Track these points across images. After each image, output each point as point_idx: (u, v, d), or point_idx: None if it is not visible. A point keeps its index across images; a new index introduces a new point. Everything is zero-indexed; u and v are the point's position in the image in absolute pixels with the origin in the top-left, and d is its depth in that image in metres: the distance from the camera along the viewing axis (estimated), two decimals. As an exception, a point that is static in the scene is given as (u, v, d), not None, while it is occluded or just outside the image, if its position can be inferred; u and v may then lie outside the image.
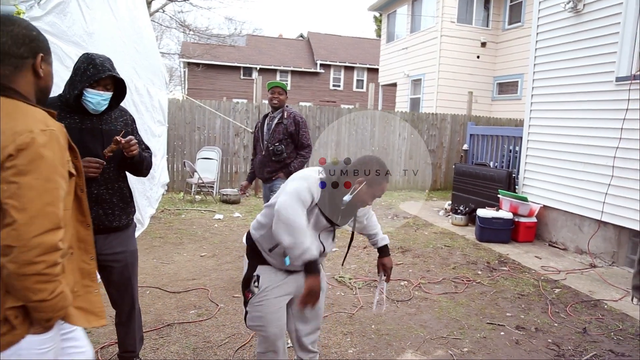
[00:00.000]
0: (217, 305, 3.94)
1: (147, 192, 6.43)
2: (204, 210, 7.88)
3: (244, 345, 3.29)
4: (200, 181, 8.56)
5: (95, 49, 3.81)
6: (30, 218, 1.27)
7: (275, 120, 4.45)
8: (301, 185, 2.07)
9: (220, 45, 21.63)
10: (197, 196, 8.97)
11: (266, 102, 4.49)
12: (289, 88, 27.83)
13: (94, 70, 2.28)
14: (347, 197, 2.17)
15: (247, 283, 2.34)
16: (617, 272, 5.29)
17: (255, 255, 2.34)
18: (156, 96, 7.12)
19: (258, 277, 2.30)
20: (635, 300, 4.35)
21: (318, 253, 2.02)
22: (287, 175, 4.34)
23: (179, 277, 4.60)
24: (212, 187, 9.09)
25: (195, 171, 8.56)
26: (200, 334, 3.44)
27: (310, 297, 2.01)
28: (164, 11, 16.83)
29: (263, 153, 4.48)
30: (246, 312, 2.36)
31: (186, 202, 8.60)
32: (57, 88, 2.56)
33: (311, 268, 1.99)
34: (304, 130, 4.46)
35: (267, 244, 2.26)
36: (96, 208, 2.37)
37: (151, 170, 6.51)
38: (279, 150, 4.38)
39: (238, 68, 26.94)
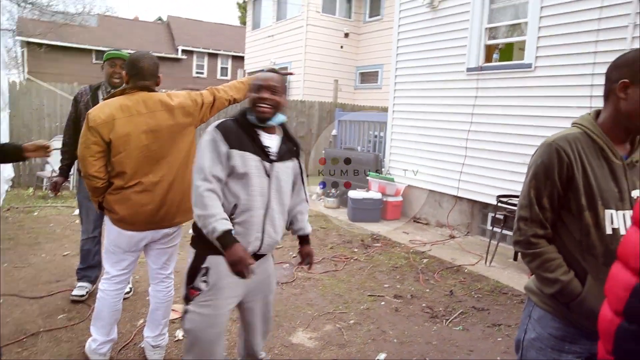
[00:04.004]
0: (90, 306, 3.57)
1: (-13, 189, 5.58)
2: (61, 206, 7.09)
3: (127, 344, 3.07)
4: (53, 174, 7.66)
5: None
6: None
7: None
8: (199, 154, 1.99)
9: (67, 24, 19.38)
10: (50, 191, 8.02)
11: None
12: (148, 74, 26.33)
13: None
14: (249, 115, 2.05)
15: (193, 276, 2.03)
16: (472, 241, 5.98)
17: (204, 242, 1.98)
18: (-7, 76, 6.17)
19: (207, 269, 2.01)
20: (488, 263, 4.98)
21: (226, 227, 1.83)
22: None
23: (39, 281, 4.09)
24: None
25: (48, 163, 7.64)
26: (73, 339, 3.10)
27: (235, 268, 1.84)
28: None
29: None
30: (185, 311, 2.06)
31: (38, 198, 7.65)
32: None
33: (224, 242, 1.83)
34: None
35: None
36: None
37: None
38: None
39: (89, 51, 24.47)
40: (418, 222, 6.94)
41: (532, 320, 1.62)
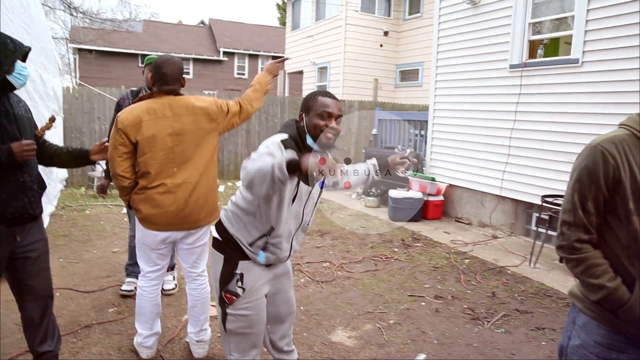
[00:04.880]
0: (138, 301, 3.74)
1: (44, 188, 5.87)
2: (111, 205, 7.40)
3: (173, 339, 3.19)
4: (103, 174, 7.99)
5: (-19, 26, 3.39)
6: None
7: None
8: (262, 150, 1.88)
9: (115, 31, 20.15)
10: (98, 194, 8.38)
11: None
12: (191, 76, 26.97)
13: (14, 45, 2.11)
14: (309, 139, 2.02)
15: (227, 281, 2.08)
16: (515, 241, 5.84)
17: (234, 249, 2.08)
18: (49, 83, 6.51)
19: (242, 275, 2.06)
20: (532, 264, 4.85)
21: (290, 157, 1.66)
22: None
23: (91, 276, 4.31)
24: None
25: (99, 164, 7.97)
26: (123, 332, 3.26)
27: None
28: (47, -10, 15.26)
29: None
30: (226, 314, 2.11)
31: (89, 197, 8.02)
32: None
33: (294, 164, 1.62)
34: None
35: (246, 237, 2.04)
36: (22, 197, 2.18)
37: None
38: None
39: (135, 55, 25.39)
40: (460, 222, 6.83)
41: (576, 326, 1.57)
